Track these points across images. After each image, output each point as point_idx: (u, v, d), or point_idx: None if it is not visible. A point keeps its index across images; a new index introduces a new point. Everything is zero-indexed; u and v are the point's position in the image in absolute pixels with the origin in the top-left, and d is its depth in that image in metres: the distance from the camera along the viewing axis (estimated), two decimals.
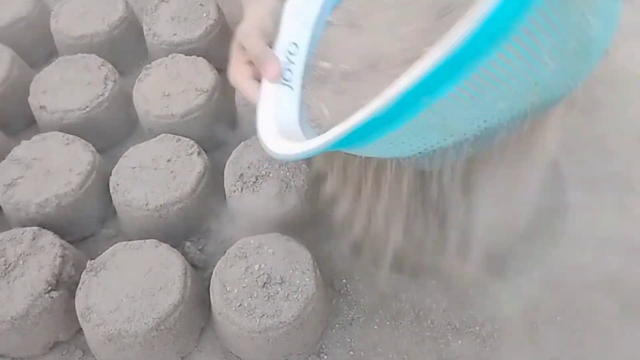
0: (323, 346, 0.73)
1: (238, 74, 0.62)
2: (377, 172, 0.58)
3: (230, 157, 0.82)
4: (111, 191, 0.79)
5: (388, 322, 0.74)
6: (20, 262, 0.71)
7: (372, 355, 0.72)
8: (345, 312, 0.75)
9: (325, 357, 0.72)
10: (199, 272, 0.78)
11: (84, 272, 0.70)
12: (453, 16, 0.50)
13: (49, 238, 0.74)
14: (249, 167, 0.79)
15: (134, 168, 0.80)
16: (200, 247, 0.82)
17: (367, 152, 0.49)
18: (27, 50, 1.00)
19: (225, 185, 0.80)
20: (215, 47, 0.97)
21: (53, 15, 0.99)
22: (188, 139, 0.83)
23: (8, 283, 0.70)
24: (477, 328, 0.73)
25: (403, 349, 0.72)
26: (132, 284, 0.68)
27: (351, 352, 0.72)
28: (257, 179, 0.78)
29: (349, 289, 0.77)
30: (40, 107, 0.88)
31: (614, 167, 0.85)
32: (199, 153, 0.82)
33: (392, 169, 0.56)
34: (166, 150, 0.81)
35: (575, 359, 0.71)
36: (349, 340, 0.73)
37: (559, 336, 0.72)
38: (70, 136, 0.83)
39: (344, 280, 0.78)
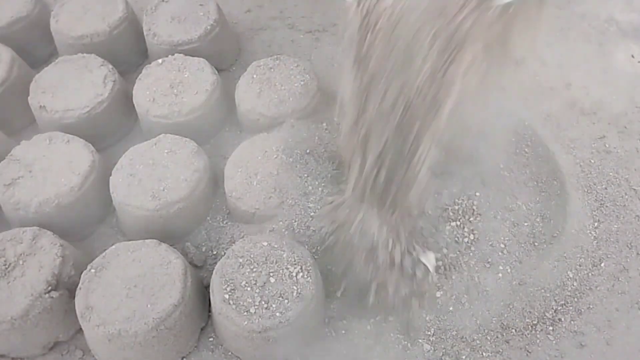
0: (323, 346, 0.73)
1: None
2: None
3: (231, 157, 0.82)
4: (111, 191, 0.79)
5: (388, 323, 0.75)
6: (20, 262, 0.71)
7: (372, 354, 0.72)
8: (345, 312, 0.75)
9: (325, 357, 0.72)
10: (199, 272, 0.78)
11: (84, 272, 0.70)
12: None
13: (49, 238, 0.74)
14: (249, 167, 0.80)
15: (133, 168, 0.80)
16: (200, 247, 0.82)
17: None
18: (27, 50, 1.01)
19: (225, 185, 0.80)
20: (215, 47, 0.97)
21: (53, 15, 0.99)
22: (188, 139, 0.83)
23: (8, 283, 0.70)
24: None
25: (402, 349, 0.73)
26: (132, 284, 0.68)
27: (351, 353, 0.72)
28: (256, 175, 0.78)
29: (348, 291, 0.77)
30: (40, 107, 0.88)
31: None
32: (198, 153, 0.82)
33: None
34: (166, 150, 0.81)
35: None
36: (351, 338, 0.73)
37: None
38: (70, 136, 0.83)
39: (343, 281, 0.78)
